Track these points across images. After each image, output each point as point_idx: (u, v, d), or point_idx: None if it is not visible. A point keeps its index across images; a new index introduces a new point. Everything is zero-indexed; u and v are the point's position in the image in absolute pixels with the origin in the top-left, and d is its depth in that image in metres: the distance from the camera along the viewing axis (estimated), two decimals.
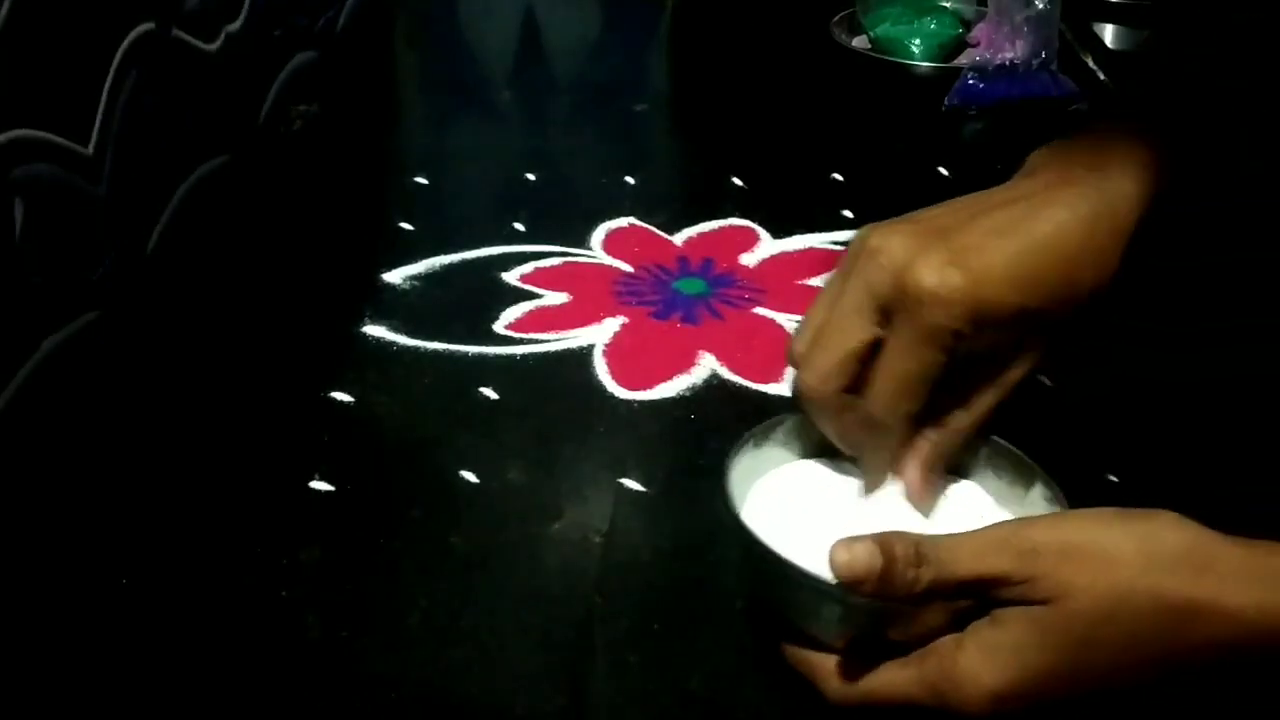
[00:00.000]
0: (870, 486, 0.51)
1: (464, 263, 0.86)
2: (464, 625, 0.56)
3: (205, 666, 0.54)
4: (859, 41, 1.26)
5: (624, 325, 0.78)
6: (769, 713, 0.52)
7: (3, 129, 0.65)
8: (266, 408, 0.71)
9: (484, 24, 1.42)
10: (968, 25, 1.25)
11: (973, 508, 0.51)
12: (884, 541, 0.42)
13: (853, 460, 0.52)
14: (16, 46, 0.65)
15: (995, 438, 0.52)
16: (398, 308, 0.80)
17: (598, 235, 0.89)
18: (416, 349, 0.76)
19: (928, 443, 0.50)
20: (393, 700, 0.52)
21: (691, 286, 0.83)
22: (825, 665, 0.47)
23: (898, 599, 0.42)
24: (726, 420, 0.69)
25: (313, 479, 0.64)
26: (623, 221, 0.92)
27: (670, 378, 0.73)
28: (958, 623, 0.44)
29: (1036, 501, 0.50)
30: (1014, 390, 0.49)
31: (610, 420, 0.69)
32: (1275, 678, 0.42)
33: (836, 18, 1.29)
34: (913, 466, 0.50)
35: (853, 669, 0.46)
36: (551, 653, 0.54)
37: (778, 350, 0.75)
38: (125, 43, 0.78)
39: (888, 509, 0.50)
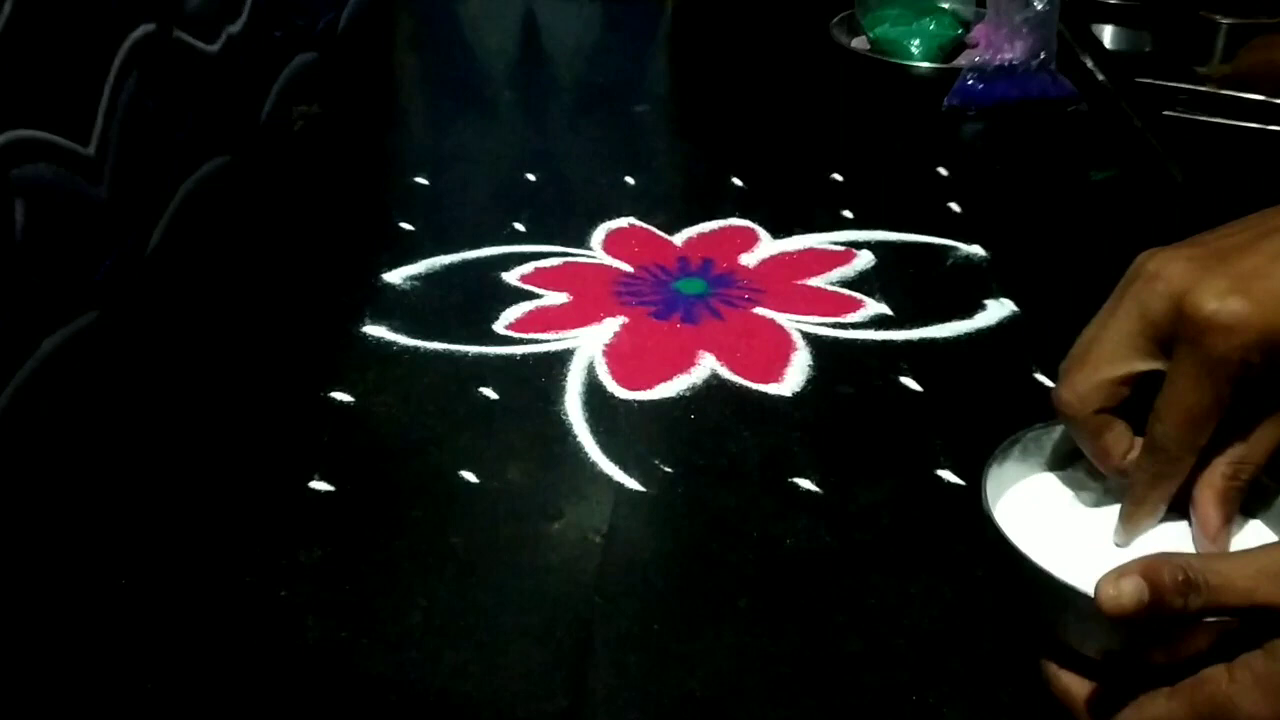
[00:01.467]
0: (1136, 514, 0.48)
1: (464, 263, 0.86)
2: (464, 625, 0.56)
3: (205, 666, 0.54)
4: (858, 42, 1.26)
5: (624, 325, 0.78)
6: (769, 713, 0.52)
7: (3, 129, 0.65)
8: (266, 408, 0.71)
9: (484, 25, 1.42)
10: (967, 26, 1.25)
11: (1251, 540, 0.49)
12: (1152, 570, 0.41)
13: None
14: (17, 46, 0.65)
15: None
16: (398, 308, 0.80)
17: (598, 235, 0.89)
18: (416, 349, 0.76)
19: (1223, 479, 0.47)
20: (393, 700, 0.52)
21: (691, 286, 0.83)
22: (1082, 693, 0.46)
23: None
24: (726, 420, 0.69)
25: (313, 479, 0.64)
26: (623, 221, 0.92)
27: (670, 378, 0.73)
28: (1224, 648, 0.42)
29: None
30: None
31: (610, 420, 0.69)
32: None
33: (836, 18, 1.29)
34: (1211, 503, 0.47)
35: (1112, 697, 0.45)
36: (551, 653, 0.54)
37: (778, 350, 0.76)
38: (126, 44, 0.78)
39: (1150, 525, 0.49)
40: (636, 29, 1.39)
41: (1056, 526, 0.49)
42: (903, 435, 0.68)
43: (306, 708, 0.52)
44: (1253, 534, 0.50)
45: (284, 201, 0.95)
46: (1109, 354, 0.46)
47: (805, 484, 0.64)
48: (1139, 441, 0.47)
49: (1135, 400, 0.46)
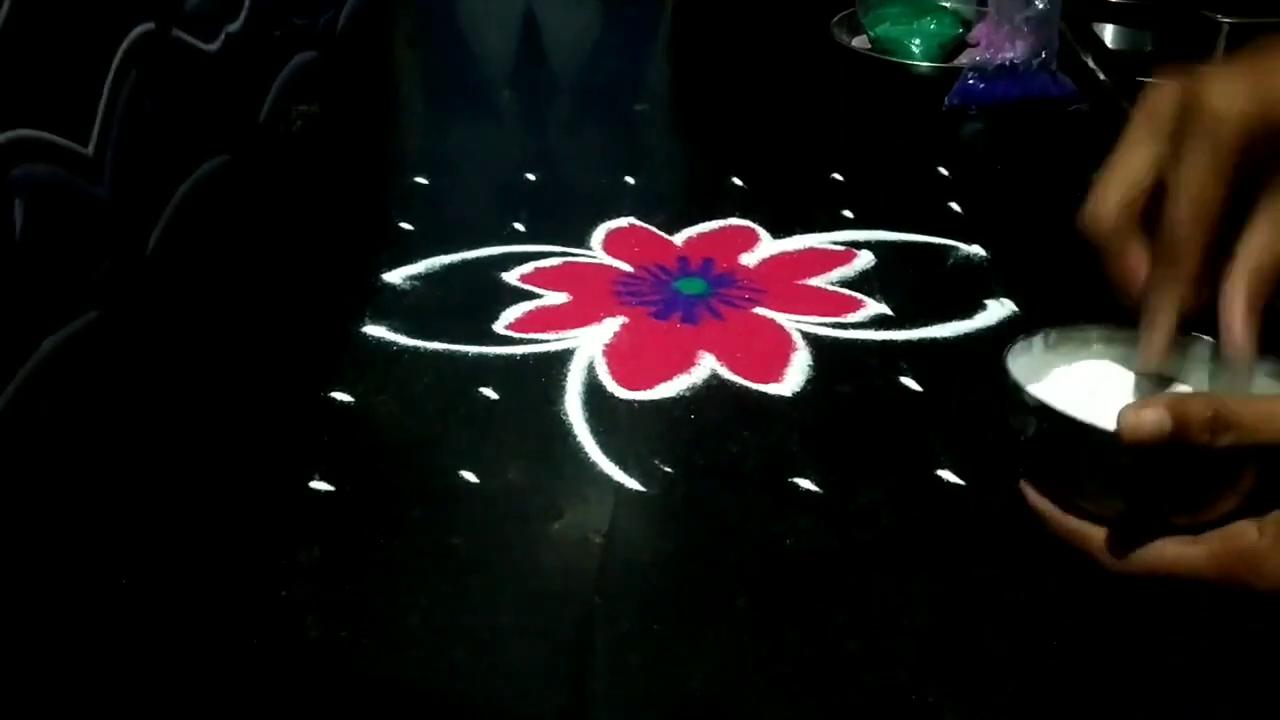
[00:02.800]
0: (1154, 335, 0.47)
1: (464, 263, 0.86)
2: (464, 625, 0.56)
3: (205, 666, 0.54)
4: (859, 41, 1.26)
5: (624, 325, 0.78)
6: (769, 713, 0.52)
7: (3, 129, 0.65)
8: (266, 408, 0.71)
9: (484, 24, 1.42)
10: (968, 25, 1.25)
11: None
12: (1178, 404, 0.40)
13: (1126, 362, 0.50)
14: (16, 46, 0.65)
15: None
16: (398, 308, 0.80)
17: (598, 235, 0.89)
18: (416, 349, 0.76)
19: (1242, 283, 0.44)
20: (393, 700, 0.52)
21: (691, 286, 0.83)
22: (1099, 536, 0.45)
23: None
24: (726, 420, 0.69)
25: (313, 479, 0.64)
26: (623, 221, 0.92)
27: (670, 378, 0.73)
28: (1252, 506, 0.42)
29: None
30: None
31: (610, 420, 0.69)
32: None
33: (836, 18, 1.29)
34: (1237, 312, 0.44)
35: (1134, 540, 0.44)
36: (551, 653, 0.54)
37: (778, 350, 0.75)
38: (125, 43, 0.78)
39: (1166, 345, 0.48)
40: (636, 29, 1.39)
41: (1078, 398, 0.49)
42: (903, 435, 0.68)
43: (306, 708, 0.52)
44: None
45: (283, 201, 0.95)
46: (1128, 166, 0.46)
47: (805, 484, 0.64)
48: None
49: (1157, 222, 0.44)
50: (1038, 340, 0.52)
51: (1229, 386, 0.45)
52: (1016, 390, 0.47)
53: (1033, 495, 0.47)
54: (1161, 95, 0.45)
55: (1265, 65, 0.44)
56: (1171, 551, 0.43)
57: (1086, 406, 0.48)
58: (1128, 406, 0.41)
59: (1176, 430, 0.40)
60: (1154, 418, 0.40)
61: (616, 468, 0.65)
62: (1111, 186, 0.46)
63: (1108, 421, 0.42)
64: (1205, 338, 0.48)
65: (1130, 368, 0.51)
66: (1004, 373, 0.49)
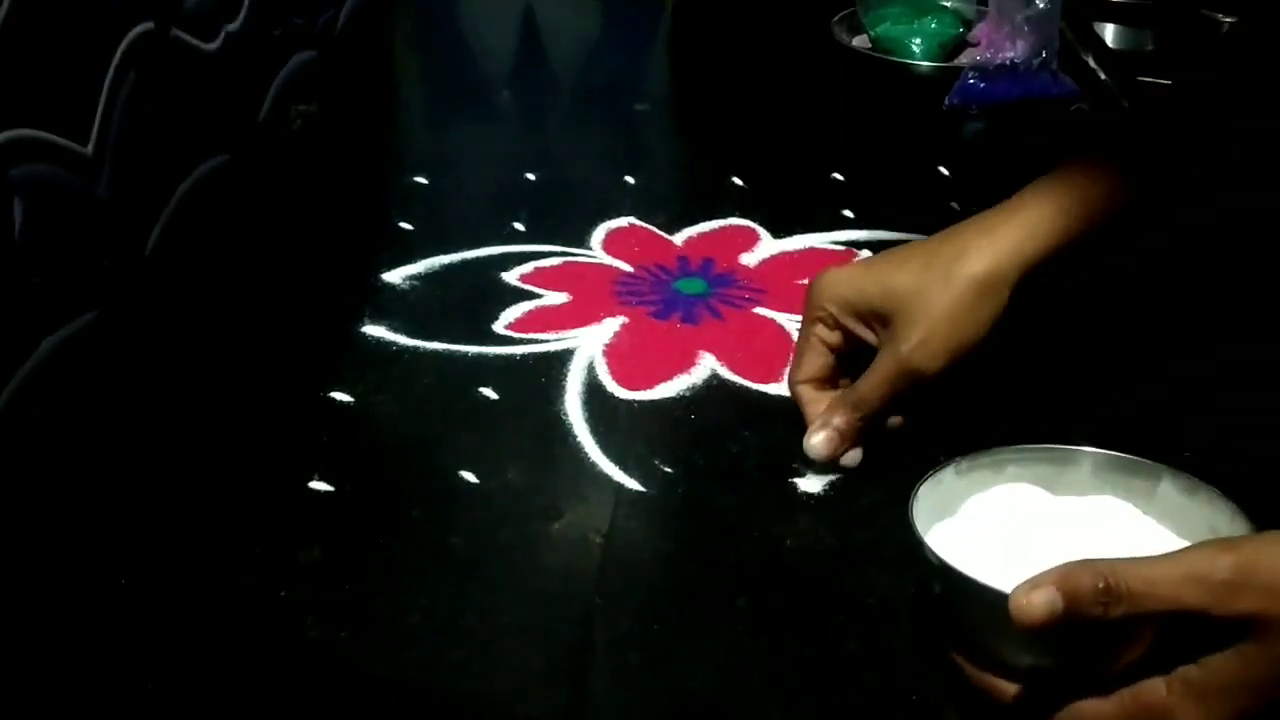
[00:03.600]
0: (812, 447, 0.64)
1: (464, 263, 0.86)
2: (464, 625, 0.56)
3: (205, 666, 0.54)
4: (859, 41, 1.26)
5: (624, 325, 0.78)
6: (769, 713, 0.52)
7: (2, 129, 0.65)
8: (266, 408, 0.71)
9: (484, 24, 1.42)
10: (968, 25, 1.25)
11: (1159, 543, 0.50)
12: (1067, 580, 0.41)
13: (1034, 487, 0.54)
14: (16, 46, 0.65)
15: (1189, 477, 0.52)
16: (398, 308, 0.80)
17: (598, 235, 0.89)
18: (416, 349, 0.76)
19: (834, 402, 0.64)
20: (393, 700, 0.52)
21: (691, 286, 0.83)
22: (1011, 691, 0.46)
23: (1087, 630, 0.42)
24: (726, 420, 0.69)
25: (313, 479, 0.64)
26: (623, 221, 0.92)
27: (670, 378, 0.73)
28: (1158, 659, 0.43)
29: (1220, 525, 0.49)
30: (912, 367, 0.61)
31: (610, 420, 0.69)
32: None
33: (837, 17, 1.29)
34: (814, 430, 0.64)
35: (1045, 696, 0.45)
36: (551, 653, 0.54)
37: (778, 350, 0.75)
38: (124, 43, 0.78)
39: (1073, 536, 0.50)
40: (636, 28, 1.39)
41: (983, 545, 0.50)
42: (903, 435, 0.68)
43: (306, 708, 0.52)
44: (1166, 543, 0.50)
45: (283, 201, 0.95)
46: (807, 357, 0.66)
47: (805, 484, 0.64)
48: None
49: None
50: (948, 471, 0.53)
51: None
52: (920, 546, 0.48)
53: (950, 650, 0.49)
54: (825, 298, 0.65)
55: (879, 259, 0.65)
56: (1085, 711, 0.44)
57: (1001, 539, 0.50)
58: (1018, 588, 0.42)
59: (1068, 608, 0.41)
60: (1044, 599, 0.41)
61: (616, 468, 0.65)
62: (804, 372, 0.66)
63: (1011, 578, 0.43)
64: (1119, 454, 0.54)
65: (1047, 488, 0.54)
66: (909, 523, 0.50)
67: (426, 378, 0.73)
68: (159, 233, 0.83)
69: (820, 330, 0.64)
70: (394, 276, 0.84)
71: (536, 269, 0.85)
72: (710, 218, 0.92)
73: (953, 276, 0.59)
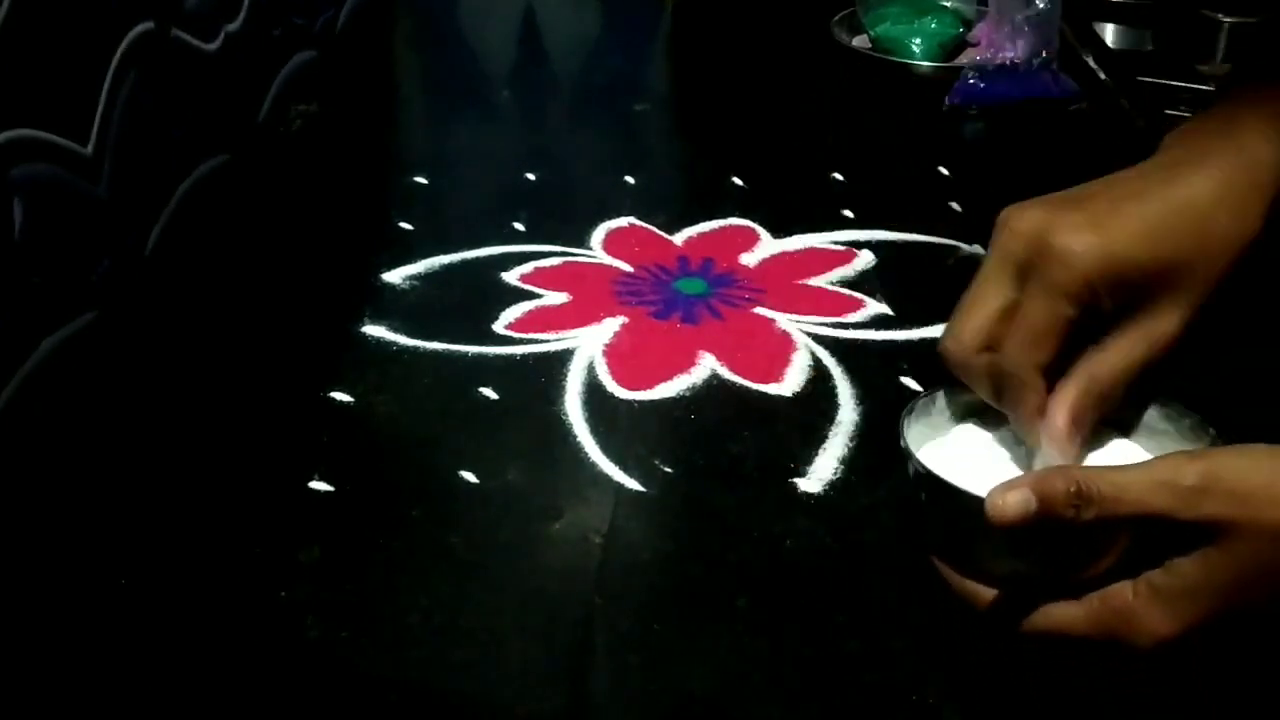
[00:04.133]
0: (1025, 439, 0.52)
1: (464, 263, 0.86)
2: (464, 625, 0.56)
3: (205, 666, 0.54)
4: (859, 41, 1.26)
5: (624, 325, 0.78)
6: (769, 713, 0.52)
7: (3, 129, 0.65)
8: (266, 408, 0.71)
9: (484, 24, 1.42)
10: (968, 25, 1.24)
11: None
12: (1043, 482, 0.43)
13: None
14: (16, 46, 0.65)
15: (1166, 400, 0.52)
16: (398, 308, 0.80)
17: (598, 235, 0.89)
18: (416, 349, 0.76)
19: (1074, 391, 0.50)
20: (393, 700, 0.52)
21: (691, 286, 0.83)
22: (983, 594, 0.48)
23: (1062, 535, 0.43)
24: (727, 420, 0.69)
25: (313, 479, 0.64)
26: (623, 221, 0.92)
27: (670, 378, 0.73)
28: (1128, 566, 0.44)
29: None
30: (1165, 349, 0.50)
31: (610, 420, 0.69)
32: None
33: (837, 17, 1.29)
34: (1058, 411, 0.50)
35: (1020, 603, 0.47)
36: (551, 653, 0.54)
37: (778, 350, 0.75)
38: (124, 43, 0.78)
39: (1055, 457, 0.50)
40: (636, 29, 1.39)
41: (970, 464, 0.51)
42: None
43: (306, 708, 0.52)
44: (1129, 451, 0.52)
45: (283, 201, 0.95)
46: (979, 296, 0.50)
47: (805, 484, 0.64)
48: None
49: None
50: (940, 396, 0.54)
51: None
52: (906, 454, 0.49)
53: (934, 556, 0.49)
54: (1015, 233, 0.49)
55: (1111, 203, 0.49)
56: (1055, 613, 0.46)
57: (982, 466, 0.50)
58: (995, 489, 0.43)
59: (1041, 509, 0.42)
60: (1019, 499, 0.43)
61: (616, 468, 0.65)
62: (965, 318, 0.51)
63: (991, 487, 0.44)
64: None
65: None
66: (899, 434, 0.50)
67: (426, 378, 0.73)
68: (159, 233, 0.83)
69: (1063, 307, 0.48)
70: (394, 276, 0.84)
71: (536, 269, 0.85)
72: (710, 218, 0.92)
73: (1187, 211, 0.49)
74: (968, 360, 0.51)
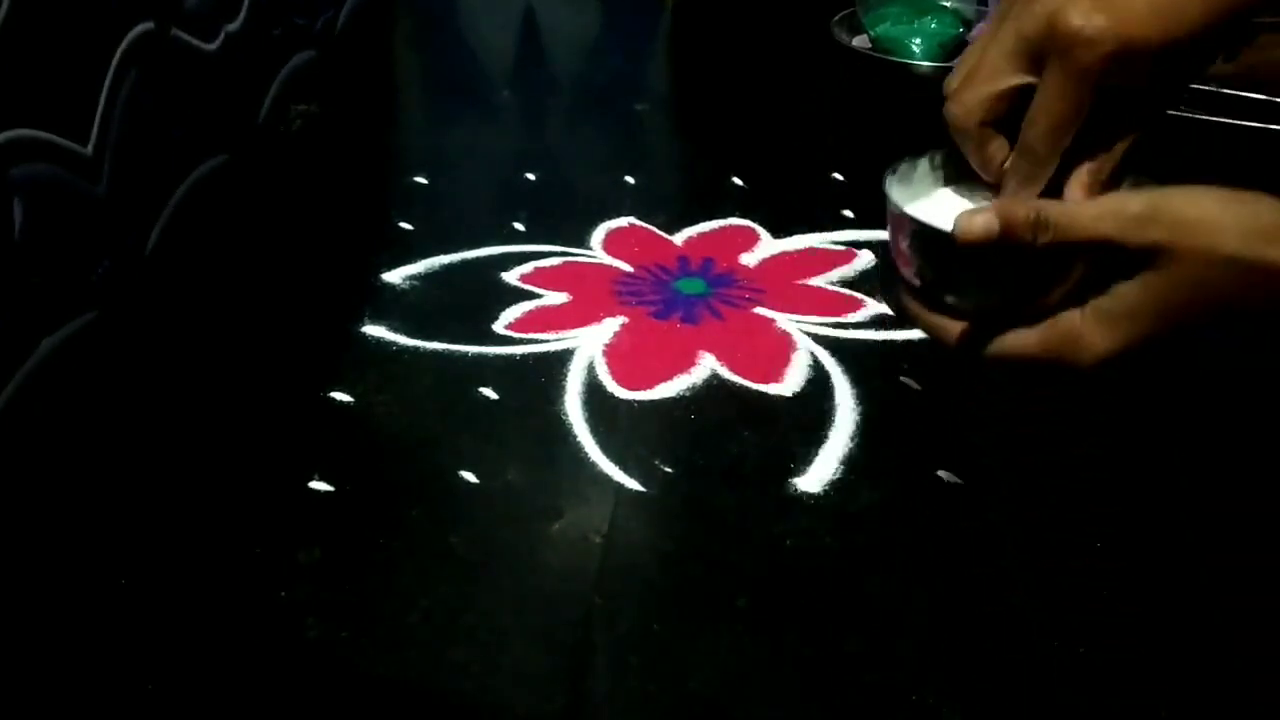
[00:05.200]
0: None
1: (464, 263, 0.86)
2: (464, 625, 0.56)
3: (205, 666, 0.54)
4: (859, 41, 1.26)
5: (624, 325, 0.78)
6: (769, 713, 0.52)
7: (3, 129, 0.65)
8: (266, 408, 0.71)
9: (484, 24, 1.42)
10: (968, 25, 1.24)
11: None
12: (1004, 208, 0.46)
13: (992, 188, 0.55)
14: (16, 46, 0.65)
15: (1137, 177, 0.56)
16: (398, 308, 0.80)
17: (598, 235, 0.89)
18: (416, 349, 0.76)
19: (1088, 175, 0.51)
20: (393, 700, 0.52)
21: (691, 286, 0.83)
22: (951, 328, 0.51)
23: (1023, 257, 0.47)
24: (726, 420, 0.69)
25: (313, 479, 0.64)
26: (623, 221, 0.92)
27: (670, 378, 0.73)
28: (1082, 295, 0.47)
29: None
30: (1154, 125, 0.52)
31: (610, 420, 0.69)
32: None
33: (837, 17, 1.29)
34: (1075, 189, 0.51)
35: (984, 332, 0.50)
36: (551, 653, 0.54)
37: (778, 350, 0.75)
38: (125, 43, 0.78)
39: None
40: (636, 29, 1.39)
41: (945, 215, 0.53)
42: (903, 435, 0.68)
43: (306, 708, 0.52)
44: None
45: (283, 201, 0.95)
46: (990, 71, 0.51)
47: (805, 484, 0.64)
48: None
49: (1013, 117, 0.49)
50: (924, 161, 0.57)
51: None
52: (886, 199, 0.52)
53: (903, 296, 0.52)
54: (1029, 13, 0.49)
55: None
56: (1010, 339, 0.49)
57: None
58: (962, 213, 0.47)
59: (1004, 231, 0.46)
60: (983, 221, 0.47)
61: (616, 468, 0.65)
62: (974, 87, 0.51)
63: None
64: None
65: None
66: (883, 184, 0.53)
67: (426, 378, 0.73)
68: (159, 233, 0.83)
69: (1085, 92, 0.49)
70: (394, 276, 0.84)
71: (536, 269, 0.85)
72: (710, 218, 0.92)
73: None
74: (969, 129, 0.52)
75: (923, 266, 0.52)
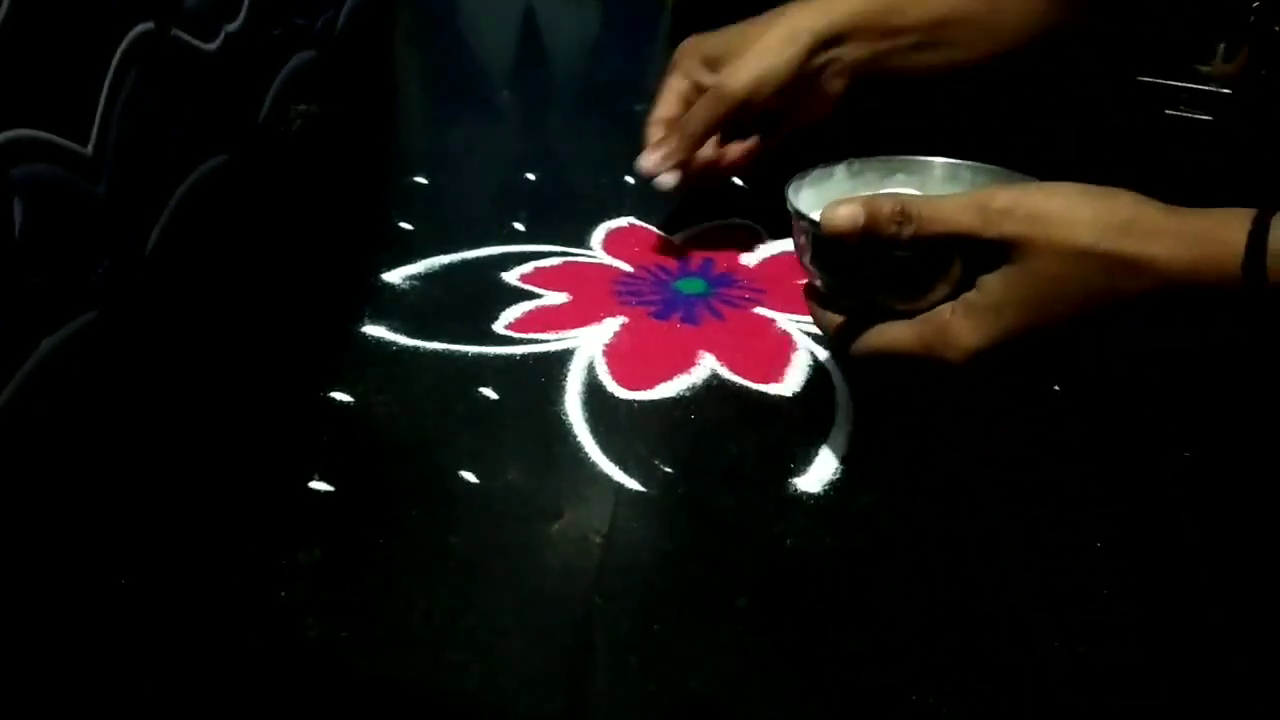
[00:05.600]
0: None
1: (464, 263, 0.86)
2: (464, 625, 0.56)
3: (205, 666, 0.54)
4: None
5: (624, 325, 0.78)
6: (769, 713, 0.52)
7: (3, 129, 0.65)
8: (266, 408, 0.71)
9: (484, 24, 1.42)
10: None
11: None
12: (870, 202, 0.50)
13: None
14: (16, 46, 0.65)
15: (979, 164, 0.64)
16: (397, 308, 0.80)
17: (598, 235, 0.89)
18: (416, 349, 0.76)
19: (672, 131, 0.81)
20: (393, 700, 0.52)
21: (691, 286, 0.83)
22: (830, 320, 0.56)
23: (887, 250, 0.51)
24: (726, 420, 0.69)
25: (312, 479, 0.64)
26: (623, 221, 0.92)
27: (670, 378, 0.73)
28: (958, 293, 0.51)
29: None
30: (716, 99, 0.78)
31: (610, 420, 0.69)
32: (1196, 326, 0.49)
33: None
34: (662, 142, 0.82)
35: (858, 324, 0.54)
36: (551, 653, 0.54)
37: (778, 350, 0.75)
38: (125, 42, 0.78)
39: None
40: (636, 28, 1.39)
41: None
42: (903, 435, 0.68)
43: (306, 708, 0.52)
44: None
45: (283, 201, 0.95)
46: (667, 103, 0.83)
47: (805, 484, 0.64)
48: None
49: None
50: (840, 167, 0.61)
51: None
52: (787, 202, 0.60)
53: (804, 293, 0.60)
54: (683, 54, 0.82)
55: (753, 36, 0.78)
56: (888, 332, 0.53)
57: None
58: (829, 204, 0.52)
59: (868, 223, 0.50)
60: (848, 212, 0.51)
61: (616, 468, 0.65)
62: (658, 113, 0.81)
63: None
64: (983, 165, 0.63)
65: (926, 194, 0.62)
66: (785, 193, 0.61)
67: (426, 378, 0.73)
68: (159, 233, 0.83)
69: (675, 80, 0.81)
70: (394, 276, 0.84)
71: (536, 269, 0.85)
72: (710, 218, 0.92)
73: (769, 25, 0.77)
74: (656, 132, 0.80)
75: (812, 262, 0.57)
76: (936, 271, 0.51)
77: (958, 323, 0.50)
